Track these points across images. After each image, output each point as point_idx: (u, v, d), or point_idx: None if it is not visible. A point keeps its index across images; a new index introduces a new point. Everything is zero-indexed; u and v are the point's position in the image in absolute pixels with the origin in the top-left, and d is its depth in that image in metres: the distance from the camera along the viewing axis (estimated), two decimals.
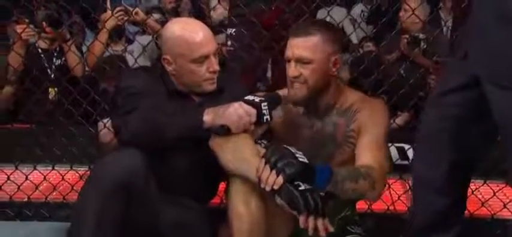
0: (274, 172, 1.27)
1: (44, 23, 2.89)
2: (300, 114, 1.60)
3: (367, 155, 1.45)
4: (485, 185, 2.00)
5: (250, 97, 1.44)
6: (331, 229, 1.29)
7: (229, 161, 1.42)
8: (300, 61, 1.49)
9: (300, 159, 1.30)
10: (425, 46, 3.12)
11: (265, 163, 1.29)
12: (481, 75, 1.24)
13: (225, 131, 1.41)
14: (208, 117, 1.44)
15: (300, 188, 1.27)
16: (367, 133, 1.49)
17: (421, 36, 3.12)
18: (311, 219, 1.26)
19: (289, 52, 1.51)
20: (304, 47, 1.49)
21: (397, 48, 3.14)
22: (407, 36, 3.15)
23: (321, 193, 1.30)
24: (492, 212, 2.00)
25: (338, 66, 1.53)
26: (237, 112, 1.41)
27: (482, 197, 1.98)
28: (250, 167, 1.35)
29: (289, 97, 1.53)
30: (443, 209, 1.42)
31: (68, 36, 2.96)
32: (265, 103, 1.43)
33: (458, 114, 1.33)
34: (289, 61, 1.52)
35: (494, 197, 2.01)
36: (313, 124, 1.58)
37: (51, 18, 2.89)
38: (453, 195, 1.43)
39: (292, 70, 1.50)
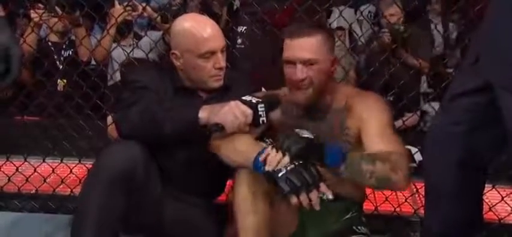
0: (279, 152, 1.28)
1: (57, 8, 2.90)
2: (297, 115, 1.58)
3: (375, 141, 1.41)
4: (493, 190, 1.99)
5: (247, 98, 1.44)
6: (330, 196, 1.28)
7: (227, 157, 1.44)
8: (306, 62, 1.47)
9: (305, 135, 1.30)
10: (406, 36, 3.21)
11: (273, 147, 1.31)
12: (493, 80, 1.23)
13: (219, 129, 1.41)
14: (204, 114, 1.44)
15: (289, 167, 1.26)
16: (370, 123, 1.45)
17: (402, 28, 3.23)
18: (302, 197, 1.25)
19: (290, 54, 1.48)
20: (308, 48, 1.46)
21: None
22: (386, 30, 3.27)
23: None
24: (499, 217, 2.00)
25: (336, 65, 1.54)
26: (233, 111, 1.40)
27: (490, 201, 1.97)
28: (248, 155, 1.35)
29: (295, 99, 1.51)
30: (456, 216, 1.41)
31: (81, 20, 2.97)
32: (262, 105, 1.42)
33: (469, 119, 1.32)
34: (292, 63, 1.48)
35: (502, 202, 2.00)
36: (311, 124, 1.56)
37: (65, 3, 2.89)
38: (466, 201, 1.41)
39: (299, 72, 1.47)
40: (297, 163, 1.27)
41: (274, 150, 1.30)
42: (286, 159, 1.27)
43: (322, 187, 1.28)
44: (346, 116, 1.52)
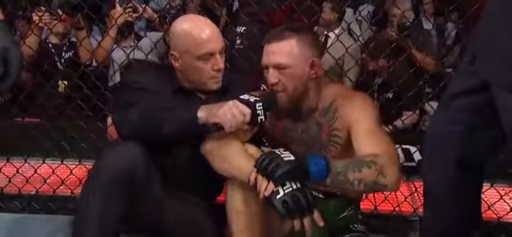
0: (264, 178, 1.29)
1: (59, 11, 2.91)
2: (284, 117, 1.59)
3: (365, 144, 1.39)
4: (491, 188, 2.00)
5: (245, 96, 1.43)
6: (321, 223, 1.29)
7: (222, 169, 1.44)
8: (277, 67, 1.47)
9: (286, 158, 1.28)
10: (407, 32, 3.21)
11: (257, 171, 1.31)
12: (490, 79, 1.23)
13: (218, 129, 1.41)
14: (203, 113, 1.44)
15: (286, 190, 1.28)
16: (359, 124, 1.43)
17: (407, 22, 3.21)
18: (296, 222, 1.27)
19: (265, 59, 1.49)
20: (280, 53, 1.47)
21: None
22: (395, 25, 3.24)
23: (323, 184, 1.30)
24: (498, 216, 2.00)
25: (316, 68, 1.51)
26: (231, 111, 1.40)
27: (488, 200, 1.98)
28: (243, 173, 1.36)
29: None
30: (455, 215, 1.41)
31: (82, 23, 2.98)
32: (260, 104, 1.41)
33: (467, 118, 1.32)
34: (266, 68, 1.50)
35: (501, 200, 2.01)
36: (299, 127, 1.57)
37: (67, 5, 2.90)
38: (465, 201, 1.41)
39: (270, 77, 1.48)
40: (294, 187, 1.28)
41: (259, 176, 1.30)
42: (271, 186, 1.28)
43: (316, 214, 1.30)
44: (334, 118, 1.51)
